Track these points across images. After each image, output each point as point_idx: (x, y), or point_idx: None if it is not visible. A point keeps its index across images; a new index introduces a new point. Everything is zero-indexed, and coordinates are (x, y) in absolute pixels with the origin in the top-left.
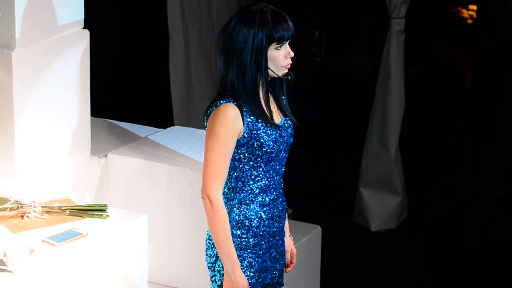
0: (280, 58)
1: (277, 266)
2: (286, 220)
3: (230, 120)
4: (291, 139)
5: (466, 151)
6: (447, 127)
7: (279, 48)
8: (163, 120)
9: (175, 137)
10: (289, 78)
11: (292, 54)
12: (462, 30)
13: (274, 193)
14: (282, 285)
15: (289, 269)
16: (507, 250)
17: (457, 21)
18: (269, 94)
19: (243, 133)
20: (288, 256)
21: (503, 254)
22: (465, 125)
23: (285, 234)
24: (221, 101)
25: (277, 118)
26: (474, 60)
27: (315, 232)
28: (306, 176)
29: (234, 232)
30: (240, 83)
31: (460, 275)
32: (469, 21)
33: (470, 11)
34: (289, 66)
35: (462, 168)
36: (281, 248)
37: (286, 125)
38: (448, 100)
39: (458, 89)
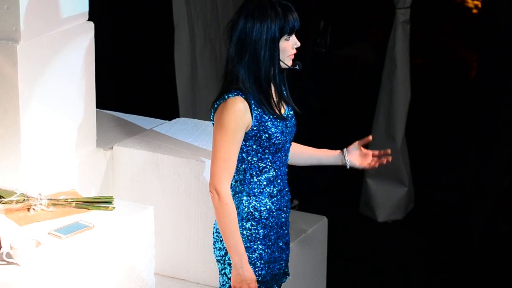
0: (288, 48)
1: (284, 256)
2: None
3: (239, 114)
4: (295, 129)
5: (471, 143)
6: (453, 119)
7: (288, 38)
8: (168, 111)
9: (181, 128)
10: (297, 67)
11: (299, 44)
12: (468, 20)
13: (281, 184)
14: (288, 274)
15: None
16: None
17: (463, 11)
18: (282, 84)
19: (252, 126)
20: (369, 159)
21: (508, 247)
22: (470, 119)
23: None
24: (229, 94)
25: (282, 109)
26: (478, 51)
27: (321, 223)
28: (312, 167)
29: (244, 224)
30: (253, 76)
31: (465, 267)
32: (474, 11)
33: (475, 1)
34: (293, 56)
35: (467, 159)
36: (287, 238)
37: (289, 115)
38: (453, 90)
39: (463, 79)
